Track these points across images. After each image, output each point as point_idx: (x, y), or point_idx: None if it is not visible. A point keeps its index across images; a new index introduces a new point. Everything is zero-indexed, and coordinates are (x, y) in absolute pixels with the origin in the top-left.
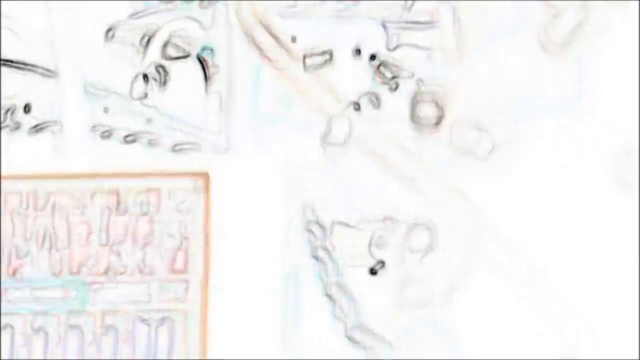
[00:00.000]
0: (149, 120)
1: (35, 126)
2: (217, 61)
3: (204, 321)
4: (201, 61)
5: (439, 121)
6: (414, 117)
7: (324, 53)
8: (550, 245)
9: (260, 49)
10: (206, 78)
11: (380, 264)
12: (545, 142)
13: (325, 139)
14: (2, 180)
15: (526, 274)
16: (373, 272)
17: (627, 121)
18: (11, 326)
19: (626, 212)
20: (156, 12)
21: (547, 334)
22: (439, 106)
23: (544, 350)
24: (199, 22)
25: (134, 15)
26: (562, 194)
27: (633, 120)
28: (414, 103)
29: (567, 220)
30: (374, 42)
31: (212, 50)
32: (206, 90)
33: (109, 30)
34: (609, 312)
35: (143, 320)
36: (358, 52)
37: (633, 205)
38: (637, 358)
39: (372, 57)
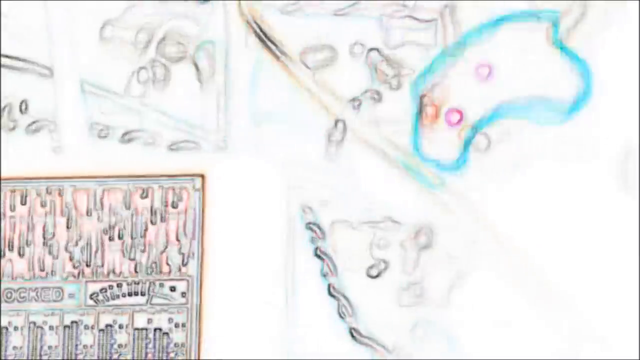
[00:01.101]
0: (146, 120)
1: (32, 125)
2: (215, 59)
3: (202, 321)
4: (199, 60)
5: (438, 119)
6: (414, 115)
7: (324, 51)
8: (550, 245)
9: (259, 47)
10: (204, 76)
11: (381, 264)
12: (546, 142)
13: (330, 137)
14: (1, 180)
15: (526, 273)
16: (373, 272)
17: (627, 121)
18: (11, 326)
19: (626, 212)
20: (154, 11)
21: (547, 334)
22: (438, 105)
23: (544, 350)
24: (197, 20)
25: (130, 8)
26: (562, 193)
27: (633, 120)
28: (414, 102)
29: (567, 220)
30: (375, 40)
31: (210, 48)
32: (204, 89)
33: (105, 29)
34: (610, 311)
35: (142, 320)
36: (359, 50)
37: (633, 205)
38: (637, 358)
39: (373, 55)
